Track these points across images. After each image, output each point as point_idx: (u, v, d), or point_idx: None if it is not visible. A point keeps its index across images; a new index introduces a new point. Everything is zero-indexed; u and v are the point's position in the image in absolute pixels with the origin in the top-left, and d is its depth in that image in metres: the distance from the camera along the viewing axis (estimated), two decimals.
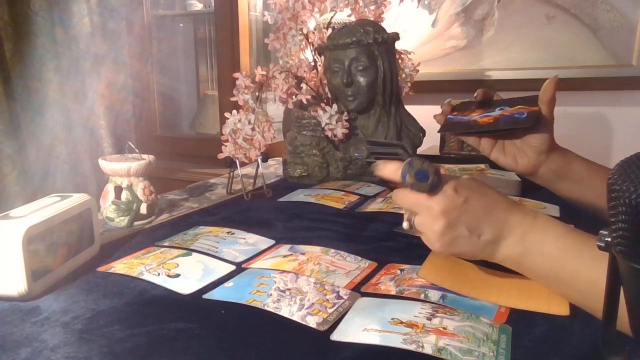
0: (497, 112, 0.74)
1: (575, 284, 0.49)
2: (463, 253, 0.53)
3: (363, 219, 0.82)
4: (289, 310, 0.50)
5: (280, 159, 1.16)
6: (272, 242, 0.71)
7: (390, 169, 0.53)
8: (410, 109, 1.20)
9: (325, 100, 1.15)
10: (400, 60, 1.20)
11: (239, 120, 0.97)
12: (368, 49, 1.07)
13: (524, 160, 0.74)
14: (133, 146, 0.87)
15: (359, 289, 0.56)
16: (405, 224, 0.54)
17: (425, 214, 0.52)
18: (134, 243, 0.71)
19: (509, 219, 0.51)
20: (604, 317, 0.35)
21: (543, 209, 0.85)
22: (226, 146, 0.98)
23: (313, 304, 0.51)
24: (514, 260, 0.52)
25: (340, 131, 1.07)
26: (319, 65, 1.17)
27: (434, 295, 0.53)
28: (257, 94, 1.04)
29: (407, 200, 0.53)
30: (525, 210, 0.53)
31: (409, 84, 1.24)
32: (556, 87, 0.70)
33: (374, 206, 0.89)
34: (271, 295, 0.53)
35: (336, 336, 0.46)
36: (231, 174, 1.03)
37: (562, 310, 0.49)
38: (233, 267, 0.62)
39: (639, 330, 0.33)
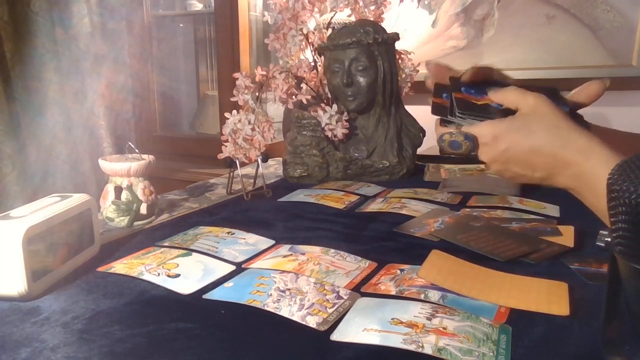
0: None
1: None
2: (527, 181, 0.57)
3: (363, 219, 0.82)
4: (289, 310, 0.50)
5: (280, 159, 1.16)
6: (272, 242, 0.71)
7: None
8: (410, 109, 1.20)
9: (325, 100, 1.15)
10: (400, 60, 1.20)
11: (239, 121, 0.97)
12: (368, 49, 1.07)
13: None
14: (133, 146, 0.87)
15: (359, 289, 0.56)
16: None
17: (482, 156, 0.57)
18: (134, 243, 0.71)
19: (558, 159, 0.52)
20: (604, 317, 0.35)
21: (543, 209, 0.85)
22: (226, 146, 0.98)
23: (313, 304, 0.51)
24: (573, 191, 0.53)
25: (340, 131, 1.07)
26: (319, 66, 1.17)
27: (434, 295, 0.53)
28: (257, 94, 1.04)
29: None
30: (575, 149, 0.51)
31: (409, 84, 1.24)
32: (601, 93, 0.62)
33: (374, 206, 0.89)
34: (271, 295, 0.53)
35: (336, 336, 0.46)
36: (231, 174, 1.03)
37: (562, 310, 0.49)
38: (233, 267, 0.62)
39: (639, 329, 0.33)
